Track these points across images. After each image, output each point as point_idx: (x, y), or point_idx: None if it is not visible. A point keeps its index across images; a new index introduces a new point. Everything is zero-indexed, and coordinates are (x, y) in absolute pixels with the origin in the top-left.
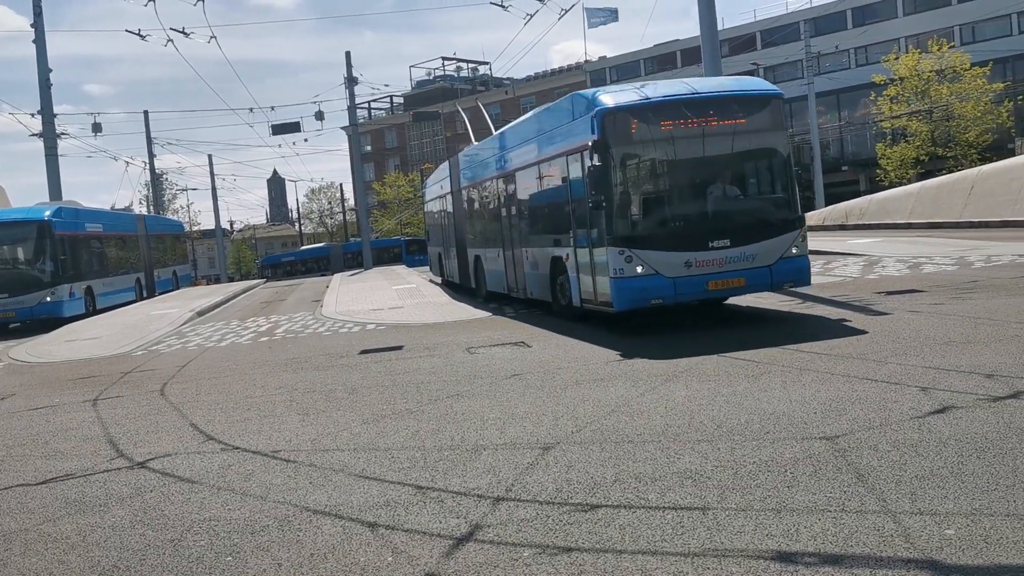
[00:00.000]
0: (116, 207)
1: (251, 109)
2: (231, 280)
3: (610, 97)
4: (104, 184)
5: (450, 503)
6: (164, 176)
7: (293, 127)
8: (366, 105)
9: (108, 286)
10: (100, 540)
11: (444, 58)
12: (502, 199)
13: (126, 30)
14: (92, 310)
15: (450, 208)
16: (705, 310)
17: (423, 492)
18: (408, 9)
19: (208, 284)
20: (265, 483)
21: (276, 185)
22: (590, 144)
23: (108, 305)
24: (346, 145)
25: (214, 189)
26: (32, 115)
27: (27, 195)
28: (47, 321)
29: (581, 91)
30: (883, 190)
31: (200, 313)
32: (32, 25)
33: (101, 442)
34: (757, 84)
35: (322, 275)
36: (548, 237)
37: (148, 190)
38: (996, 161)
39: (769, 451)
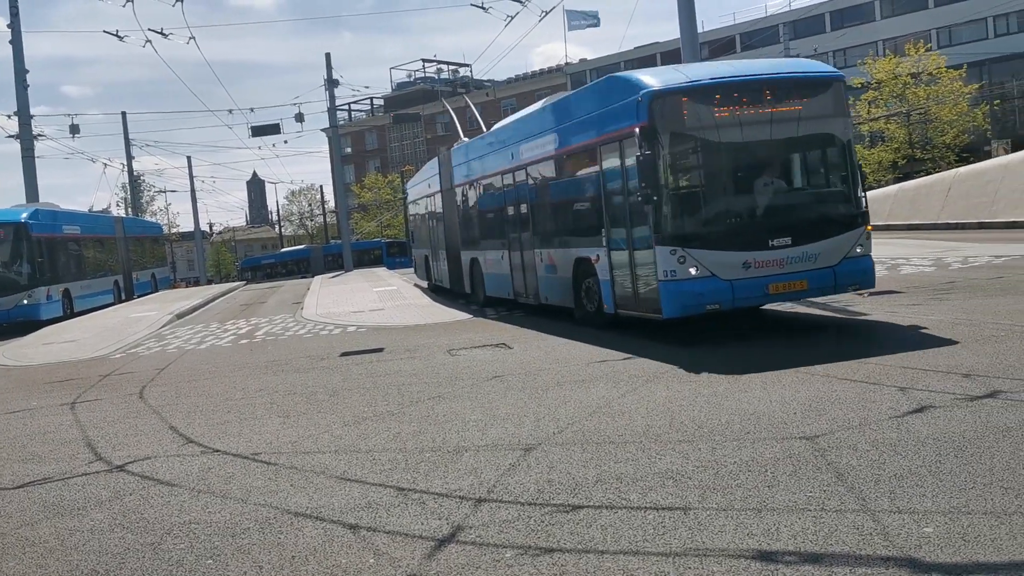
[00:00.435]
0: (94, 209)
1: (230, 111)
2: (210, 283)
3: (657, 79)
4: (82, 186)
5: (432, 504)
6: (142, 178)
7: (273, 129)
8: (346, 107)
9: (86, 288)
10: (79, 544)
11: (424, 60)
12: (508, 196)
13: (104, 31)
14: (70, 313)
15: (439, 208)
16: None
17: (405, 494)
18: (387, 11)
19: (187, 287)
20: (245, 486)
21: (256, 187)
22: (637, 130)
23: (86, 308)
24: (326, 147)
25: (193, 191)
26: (8, 116)
27: (3, 197)
28: (24, 324)
29: (618, 73)
30: None
31: (179, 316)
32: (9, 25)
33: (79, 445)
34: (817, 66)
35: (302, 277)
36: (571, 236)
37: (126, 192)
38: (973, 163)
39: (749, 451)
